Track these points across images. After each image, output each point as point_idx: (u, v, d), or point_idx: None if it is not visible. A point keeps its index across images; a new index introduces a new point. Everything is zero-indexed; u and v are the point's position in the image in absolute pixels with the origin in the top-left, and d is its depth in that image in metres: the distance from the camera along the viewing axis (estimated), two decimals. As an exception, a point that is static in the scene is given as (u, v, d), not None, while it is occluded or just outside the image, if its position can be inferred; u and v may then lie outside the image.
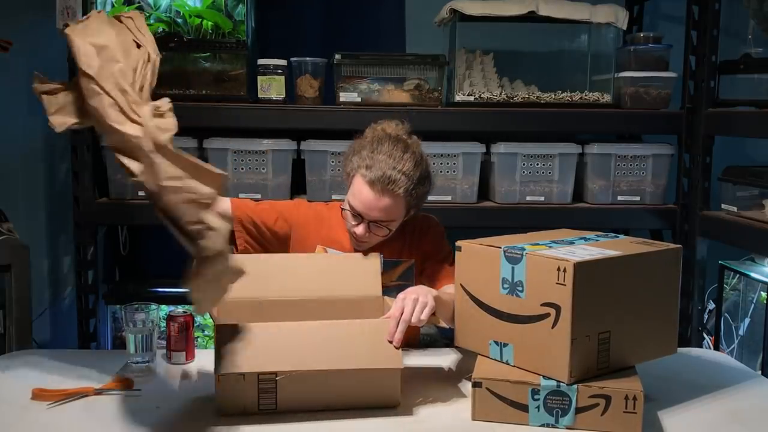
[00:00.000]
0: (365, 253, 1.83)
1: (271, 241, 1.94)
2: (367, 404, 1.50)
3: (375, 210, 1.79)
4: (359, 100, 2.61)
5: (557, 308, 1.40)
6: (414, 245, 1.94)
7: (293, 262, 1.88)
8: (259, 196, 2.58)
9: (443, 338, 2.78)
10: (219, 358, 1.44)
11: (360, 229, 1.82)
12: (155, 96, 1.53)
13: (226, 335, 1.48)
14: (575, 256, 1.41)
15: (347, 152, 1.90)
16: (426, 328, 2.82)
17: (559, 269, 1.39)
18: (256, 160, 2.58)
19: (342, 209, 1.87)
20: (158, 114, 1.45)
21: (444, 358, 1.82)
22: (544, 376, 1.43)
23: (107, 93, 1.46)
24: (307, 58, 2.62)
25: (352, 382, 1.49)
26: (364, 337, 1.55)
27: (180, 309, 1.81)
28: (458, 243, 1.59)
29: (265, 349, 1.48)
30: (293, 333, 1.53)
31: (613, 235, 1.70)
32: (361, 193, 1.80)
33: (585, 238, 1.62)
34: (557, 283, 1.40)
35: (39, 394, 1.53)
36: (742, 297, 2.74)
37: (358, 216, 1.82)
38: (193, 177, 1.39)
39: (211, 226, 1.38)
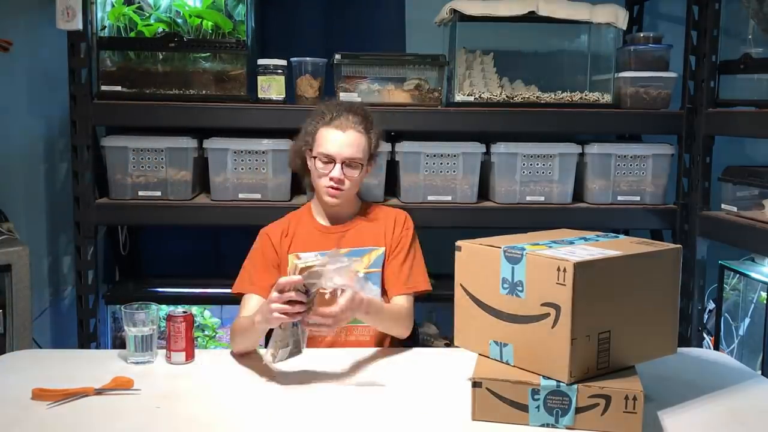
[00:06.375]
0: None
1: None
2: None
3: (345, 146, 1.94)
4: (359, 100, 2.60)
5: (557, 308, 1.40)
6: (388, 233, 2.01)
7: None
8: (258, 196, 2.58)
9: (443, 338, 2.78)
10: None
11: (336, 171, 1.92)
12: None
13: None
14: (575, 256, 1.41)
15: (298, 138, 2.07)
16: (426, 328, 2.83)
17: (559, 269, 1.39)
18: (256, 160, 2.58)
19: (315, 168, 1.97)
20: None
21: (444, 358, 1.81)
22: (544, 376, 1.43)
23: None
24: (307, 58, 2.62)
25: None
26: None
27: (180, 309, 1.81)
28: (458, 243, 1.59)
29: None
30: None
31: (613, 235, 1.70)
32: (327, 139, 1.95)
33: (585, 238, 1.62)
34: (557, 283, 1.39)
35: (39, 394, 1.53)
36: (742, 297, 2.73)
37: (331, 161, 1.93)
38: None
39: None
